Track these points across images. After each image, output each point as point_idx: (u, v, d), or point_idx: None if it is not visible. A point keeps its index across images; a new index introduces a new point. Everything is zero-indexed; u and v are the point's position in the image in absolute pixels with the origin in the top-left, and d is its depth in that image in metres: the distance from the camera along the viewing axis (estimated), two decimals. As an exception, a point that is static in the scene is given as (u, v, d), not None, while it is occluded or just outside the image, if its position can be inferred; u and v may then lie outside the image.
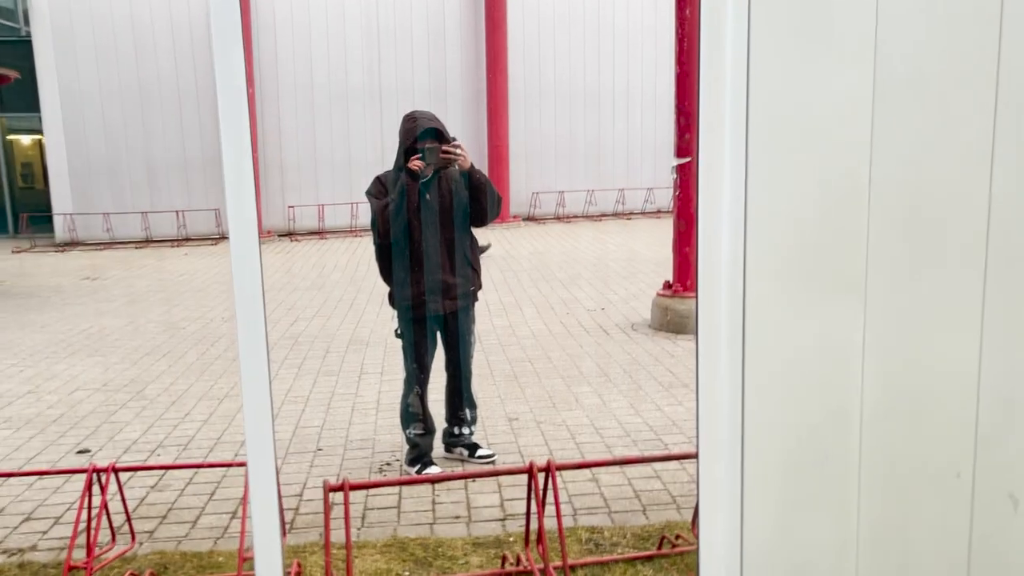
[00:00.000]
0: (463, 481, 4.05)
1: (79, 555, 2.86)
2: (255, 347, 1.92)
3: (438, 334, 4.33)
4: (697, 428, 2.08)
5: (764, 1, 1.93)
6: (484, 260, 4.37)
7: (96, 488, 2.71)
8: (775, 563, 2.11)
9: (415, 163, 4.05)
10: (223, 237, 15.91)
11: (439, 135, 4.08)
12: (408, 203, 4.06)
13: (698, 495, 2.09)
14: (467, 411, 4.43)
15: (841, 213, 2.02)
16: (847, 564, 2.12)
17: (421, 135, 4.06)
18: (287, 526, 3.65)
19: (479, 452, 4.40)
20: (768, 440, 2.07)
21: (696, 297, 2.06)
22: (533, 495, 2.63)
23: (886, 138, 1.98)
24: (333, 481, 2.88)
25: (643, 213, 18.61)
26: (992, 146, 2.00)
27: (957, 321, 2.05)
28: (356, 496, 3.94)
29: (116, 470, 2.61)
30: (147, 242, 16.11)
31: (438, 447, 4.45)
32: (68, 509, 3.86)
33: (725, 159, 1.99)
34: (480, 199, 4.13)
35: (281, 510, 3.31)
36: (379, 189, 4.15)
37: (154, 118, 16.33)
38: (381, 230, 4.09)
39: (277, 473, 2.96)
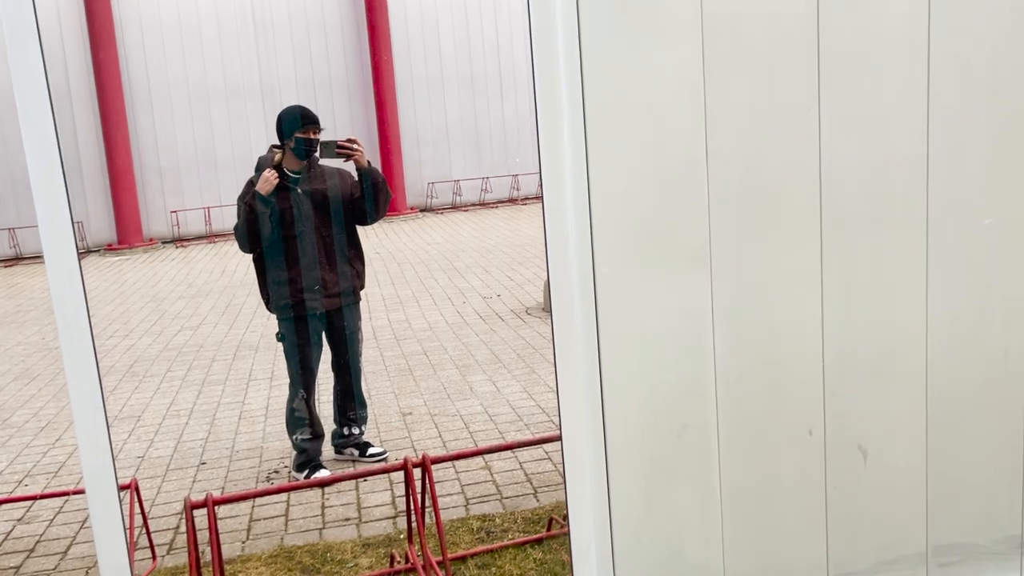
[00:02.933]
0: (353, 483, 3.98)
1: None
2: (82, 363, 1.82)
3: (323, 334, 4.24)
4: (559, 409, 2.09)
5: (591, -22, 1.94)
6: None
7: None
8: (643, 535, 2.15)
9: (267, 180, 3.92)
10: (88, 251, 15.11)
11: (316, 124, 4.04)
12: (278, 203, 3.96)
13: (564, 475, 2.11)
14: (356, 410, 4.36)
15: (682, 186, 2.06)
16: (712, 529, 2.18)
17: (301, 124, 3.98)
18: (166, 547, 3.51)
19: (370, 451, 4.33)
20: (628, 414, 2.10)
21: (547, 279, 2.07)
22: (411, 491, 2.60)
23: (718, 110, 2.03)
24: (216, 494, 2.78)
25: (537, 198, 18.75)
26: (818, 110, 2.08)
27: (798, 283, 2.13)
28: (242, 508, 3.82)
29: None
30: (16, 259, 15.18)
31: (328, 449, 4.37)
32: (-78, 553, 3.60)
33: (565, 143, 2.00)
34: (374, 198, 4.07)
35: (148, 532, 3.18)
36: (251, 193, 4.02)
37: (10, 124, 15.34)
38: (243, 246, 4.03)
39: (138, 493, 2.84)
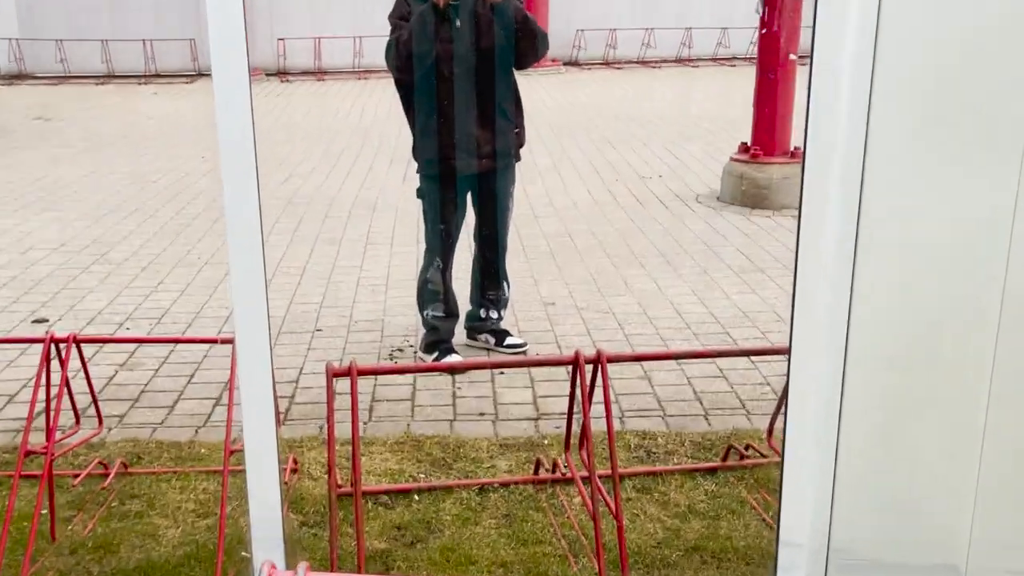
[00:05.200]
0: (489, 373, 4.06)
1: (37, 439, 2.92)
2: (244, 204, 1.85)
3: (468, 197, 4.26)
4: (792, 316, 2.01)
5: None
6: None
7: (55, 363, 2.73)
8: (874, 479, 2.08)
9: None
10: (200, 74, 15.67)
11: None
12: (433, 31, 3.89)
13: (786, 395, 2.05)
14: (497, 291, 4.41)
15: (999, 47, 1.87)
16: (964, 482, 2.08)
17: None
18: (281, 416, 3.71)
19: (508, 340, 4.40)
20: (878, 333, 2.00)
21: (803, 151, 1.95)
22: (579, 390, 2.61)
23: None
24: (337, 366, 2.89)
25: (714, 59, 18.04)
26: None
27: None
28: (362, 385, 3.97)
29: (78, 342, 2.62)
30: (109, 77, 15.96)
31: (459, 333, 4.45)
32: (24, 386, 3.94)
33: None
34: (520, 36, 3.98)
35: (275, 396, 3.35)
36: (405, 11, 3.99)
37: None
38: (396, 64, 3.97)
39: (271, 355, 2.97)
